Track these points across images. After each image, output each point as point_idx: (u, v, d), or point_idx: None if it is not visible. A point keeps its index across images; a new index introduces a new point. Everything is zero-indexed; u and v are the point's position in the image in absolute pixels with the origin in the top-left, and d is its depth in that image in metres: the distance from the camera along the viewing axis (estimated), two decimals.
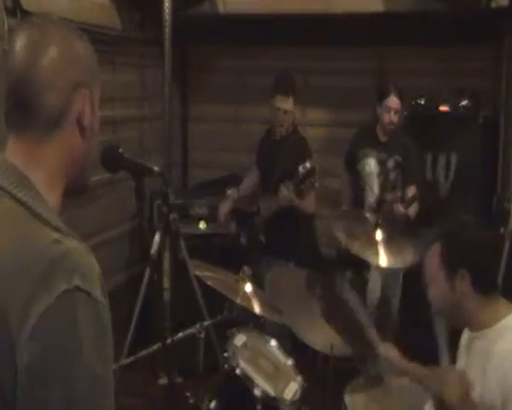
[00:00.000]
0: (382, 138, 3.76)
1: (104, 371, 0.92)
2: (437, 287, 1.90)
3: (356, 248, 3.02)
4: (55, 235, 0.93)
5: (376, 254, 2.99)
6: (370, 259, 3.09)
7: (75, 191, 1.10)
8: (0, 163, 1.00)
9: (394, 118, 3.65)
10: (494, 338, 1.80)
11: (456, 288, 1.83)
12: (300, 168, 3.31)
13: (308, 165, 3.30)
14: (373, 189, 3.76)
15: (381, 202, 3.64)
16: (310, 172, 3.28)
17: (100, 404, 0.91)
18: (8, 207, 0.95)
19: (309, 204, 3.59)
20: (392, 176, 3.72)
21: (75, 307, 0.89)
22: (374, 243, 3.00)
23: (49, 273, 0.88)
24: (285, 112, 3.60)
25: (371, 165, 3.79)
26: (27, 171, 0.99)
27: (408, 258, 3.00)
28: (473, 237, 1.92)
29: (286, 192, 3.38)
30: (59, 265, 0.89)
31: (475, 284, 1.82)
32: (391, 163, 3.71)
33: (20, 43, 1.02)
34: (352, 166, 3.89)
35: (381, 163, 3.75)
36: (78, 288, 0.89)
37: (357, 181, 3.89)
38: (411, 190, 3.62)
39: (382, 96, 3.66)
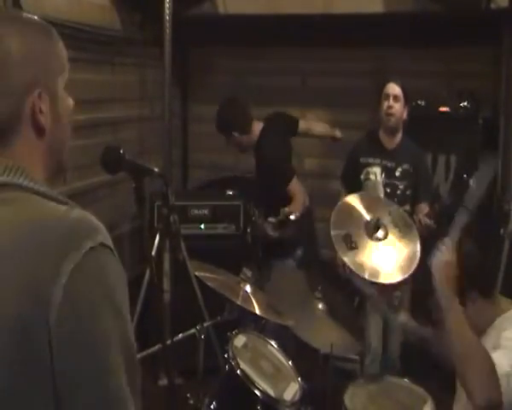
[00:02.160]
0: (388, 145, 3.41)
1: (131, 327, 0.97)
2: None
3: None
4: (65, 207, 0.95)
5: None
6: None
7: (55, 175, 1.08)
8: None
9: (394, 105, 3.30)
10: (495, 334, 1.86)
11: (467, 305, 1.90)
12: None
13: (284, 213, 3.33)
14: None
15: None
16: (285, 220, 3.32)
17: (134, 361, 0.98)
18: (14, 196, 0.94)
19: (296, 208, 3.58)
20: (400, 188, 3.33)
21: (104, 262, 0.91)
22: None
23: (72, 236, 0.89)
24: (241, 144, 3.73)
25: (377, 174, 3.36)
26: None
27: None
28: (476, 260, 1.97)
29: (269, 230, 3.44)
30: (79, 227, 0.91)
31: (483, 295, 1.92)
32: (399, 173, 3.34)
33: None
34: (353, 177, 3.45)
35: (388, 173, 3.36)
36: (102, 244, 0.91)
37: None
38: (423, 209, 3.23)
39: (382, 86, 3.39)
